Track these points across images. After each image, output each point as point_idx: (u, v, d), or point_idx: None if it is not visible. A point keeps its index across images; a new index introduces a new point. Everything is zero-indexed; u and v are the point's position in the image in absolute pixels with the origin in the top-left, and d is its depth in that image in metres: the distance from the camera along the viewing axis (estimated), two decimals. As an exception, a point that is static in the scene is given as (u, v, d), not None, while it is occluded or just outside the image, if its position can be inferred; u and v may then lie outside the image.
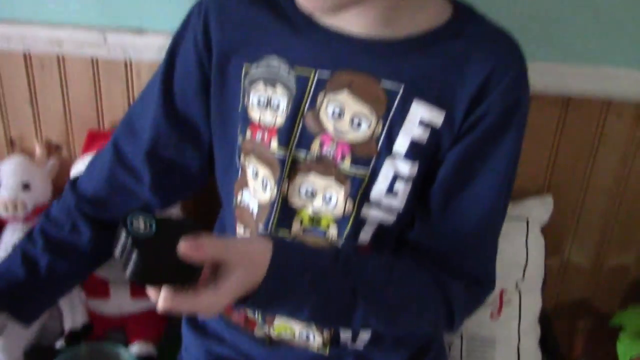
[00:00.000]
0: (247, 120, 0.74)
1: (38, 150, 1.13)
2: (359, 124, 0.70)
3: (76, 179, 0.83)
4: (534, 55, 0.98)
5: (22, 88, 1.10)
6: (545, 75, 1.00)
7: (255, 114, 0.73)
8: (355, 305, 0.67)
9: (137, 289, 1.06)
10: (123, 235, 0.57)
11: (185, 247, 0.56)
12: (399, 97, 0.69)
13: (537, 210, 1.08)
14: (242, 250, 0.62)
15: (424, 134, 0.69)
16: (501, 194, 0.73)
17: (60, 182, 1.14)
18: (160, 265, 0.58)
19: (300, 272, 0.65)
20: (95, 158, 0.84)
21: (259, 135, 0.73)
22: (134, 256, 0.56)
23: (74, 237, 0.80)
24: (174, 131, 0.78)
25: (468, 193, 0.72)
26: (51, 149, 1.15)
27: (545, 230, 1.09)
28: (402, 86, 0.68)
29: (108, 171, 0.80)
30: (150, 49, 1.02)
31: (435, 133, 0.69)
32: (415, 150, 0.70)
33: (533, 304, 1.06)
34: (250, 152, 0.75)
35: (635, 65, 0.99)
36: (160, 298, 0.58)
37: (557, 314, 1.17)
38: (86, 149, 1.08)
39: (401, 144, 0.70)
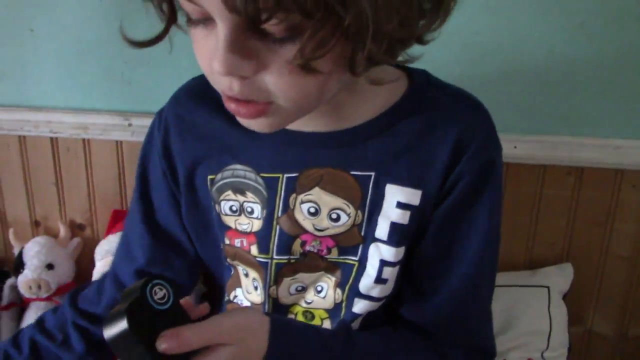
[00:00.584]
0: (223, 228, 0.71)
1: (62, 230, 1.15)
2: (338, 218, 0.67)
3: (76, 294, 0.78)
4: (546, 129, 1.02)
5: (48, 170, 1.13)
6: (558, 148, 1.02)
7: (229, 221, 0.70)
8: None
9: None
10: (135, 295, 0.53)
11: (164, 339, 0.52)
12: (371, 184, 0.65)
13: (557, 279, 1.08)
14: (234, 326, 0.57)
15: (404, 216, 0.66)
16: (486, 257, 0.69)
17: (83, 262, 1.17)
18: (138, 345, 0.52)
19: (304, 346, 0.60)
20: (100, 280, 0.80)
21: (237, 242, 0.71)
22: (123, 322, 0.52)
23: (63, 351, 0.75)
24: (160, 247, 0.74)
25: (452, 261, 0.68)
26: (75, 229, 1.17)
27: (567, 299, 1.08)
28: (373, 174, 0.65)
29: (109, 295, 0.75)
30: (172, 131, 1.06)
31: (416, 212, 0.66)
32: (397, 234, 0.66)
33: (559, 374, 1.05)
34: (234, 256, 0.72)
35: (645, 136, 1.02)
36: None
37: (582, 386, 1.15)
38: (110, 228, 1.11)
39: (382, 230, 0.66)
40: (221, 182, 0.70)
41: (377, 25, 0.48)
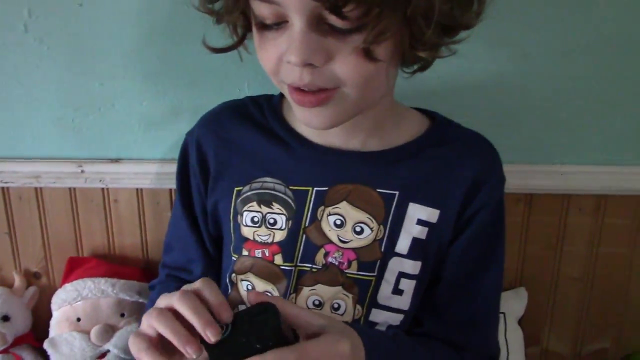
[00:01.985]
0: (241, 239, 0.77)
1: (17, 280, 1.13)
2: (361, 231, 0.73)
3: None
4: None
5: (0, 220, 1.11)
6: (507, 176, 1.05)
7: (248, 232, 0.76)
8: None
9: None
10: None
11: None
12: (395, 202, 0.73)
13: (512, 304, 1.11)
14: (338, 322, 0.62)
15: (423, 232, 0.74)
16: (501, 276, 0.81)
17: (41, 311, 1.14)
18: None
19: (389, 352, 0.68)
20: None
21: (258, 253, 0.76)
22: None
23: None
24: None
25: (477, 282, 0.78)
26: (30, 277, 1.15)
27: (522, 322, 1.11)
28: (397, 193, 0.73)
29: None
30: (126, 176, 1.06)
31: (433, 229, 0.74)
32: (417, 248, 0.74)
33: (518, 398, 1.07)
34: (248, 269, 0.77)
35: (588, 162, 1.06)
36: None
37: (542, 404, 1.18)
38: (66, 276, 1.09)
39: (403, 244, 0.74)
40: (248, 193, 0.76)
41: (440, 11, 0.58)
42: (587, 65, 1.00)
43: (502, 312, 1.09)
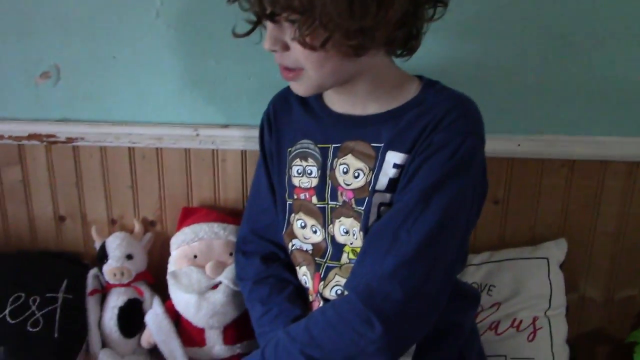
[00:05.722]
0: (292, 187, 1.02)
1: (137, 226, 1.35)
2: (358, 176, 0.95)
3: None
4: (544, 130, 1.24)
5: (125, 176, 1.33)
6: (553, 145, 1.24)
7: (296, 181, 1.02)
8: None
9: (230, 337, 1.25)
10: None
11: None
12: (380, 152, 0.93)
13: (554, 251, 1.29)
14: None
15: (397, 173, 0.91)
16: (446, 218, 0.88)
17: (154, 254, 1.36)
18: None
19: None
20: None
21: (302, 196, 1.01)
22: None
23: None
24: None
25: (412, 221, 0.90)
26: (147, 225, 1.37)
27: (564, 269, 1.30)
28: (382, 145, 0.93)
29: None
30: (234, 139, 1.27)
31: (402, 168, 0.91)
32: (391, 184, 0.92)
33: (561, 328, 1.27)
34: (299, 209, 1.02)
35: (624, 133, 1.24)
36: None
37: (578, 342, 1.37)
38: (181, 222, 1.30)
39: (382, 183, 0.92)
40: (295, 152, 1.03)
41: (338, 16, 0.78)
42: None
43: (546, 258, 1.28)
